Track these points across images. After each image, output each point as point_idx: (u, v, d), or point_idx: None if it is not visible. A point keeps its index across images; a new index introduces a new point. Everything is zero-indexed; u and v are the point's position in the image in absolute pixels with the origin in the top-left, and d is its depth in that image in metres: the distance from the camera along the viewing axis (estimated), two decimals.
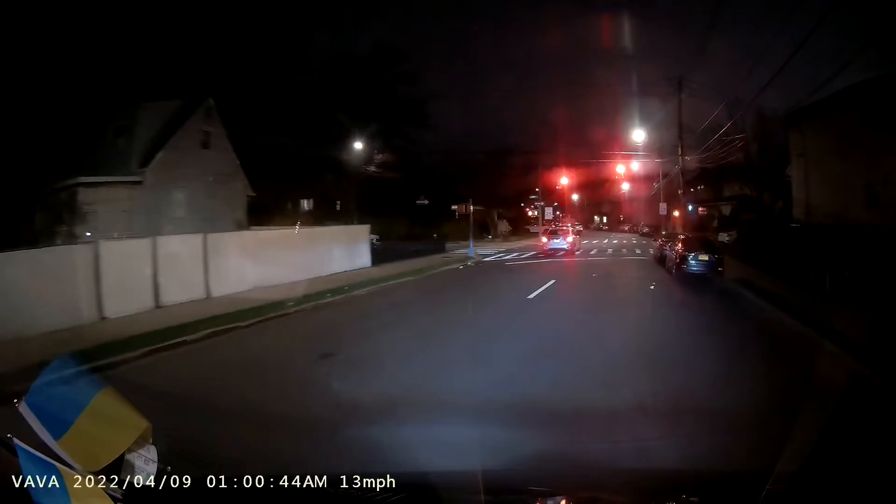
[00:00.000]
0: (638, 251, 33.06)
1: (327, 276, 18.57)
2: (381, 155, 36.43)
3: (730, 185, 46.37)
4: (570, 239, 29.89)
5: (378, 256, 23.37)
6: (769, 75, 29.30)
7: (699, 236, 23.82)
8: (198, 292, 14.35)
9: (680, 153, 31.87)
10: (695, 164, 35.08)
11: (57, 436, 1.41)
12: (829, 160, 21.18)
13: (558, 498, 2.09)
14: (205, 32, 36.06)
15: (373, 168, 35.74)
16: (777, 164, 31.21)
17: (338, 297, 14.67)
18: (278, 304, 12.79)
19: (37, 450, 1.38)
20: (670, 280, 17.92)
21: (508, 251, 33.71)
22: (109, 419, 1.48)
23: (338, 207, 40.75)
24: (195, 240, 15.11)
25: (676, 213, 51.00)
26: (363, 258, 22.03)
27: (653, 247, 35.90)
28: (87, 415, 1.46)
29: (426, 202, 38.57)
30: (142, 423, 1.49)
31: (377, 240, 31.91)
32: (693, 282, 16.72)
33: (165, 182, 25.04)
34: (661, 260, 23.01)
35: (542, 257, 27.63)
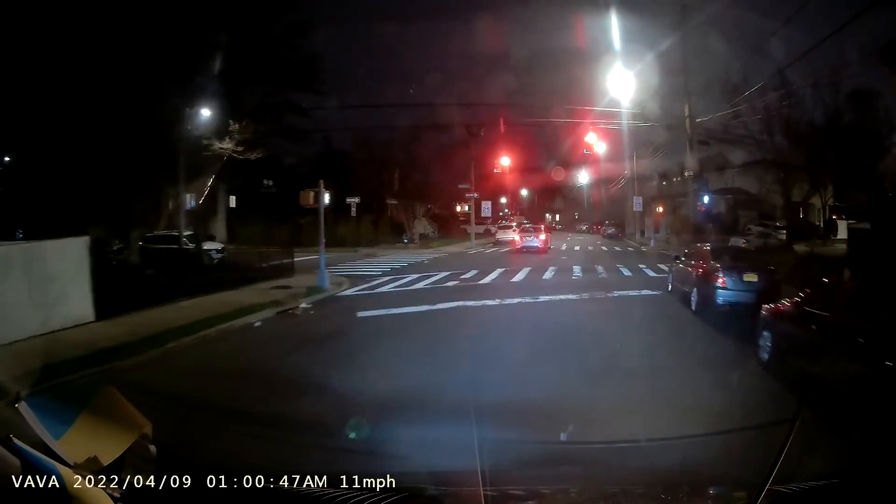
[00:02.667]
0: (623, 269, 20.57)
1: None
2: (237, 126, 23.52)
3: (718, 177, 37.06)
4: (542, 237, 30.63)
5: (169, 283, 12.85)
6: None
7: None
8: None
9: (687, 114, 20.23)
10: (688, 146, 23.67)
11: (57, 436, 1.45)
12: None
13: (558, 498, 2.17)
14: None
15: (230, 147, 22.96)
16: (808, 143, 23.30)
17: None
18: None
19: (37, 450, 1.38)
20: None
21: (412, 266, 22.08)
22: (109, 419, 1.53)
23: (233, 205, 34.51)
24: None
25: (660, 209, 40.76)
26: (74, 305, 9.96)
27: (635, 253, 28.35)
28: (87, 415, 1.52)
29: (274, 189, 27.12)
30: (142, 423, 1.54)
31: (218, 250, 21.81)
32: None
33: None
34: (700, 304, 11.04)
35: (452, 290, 15.02)
